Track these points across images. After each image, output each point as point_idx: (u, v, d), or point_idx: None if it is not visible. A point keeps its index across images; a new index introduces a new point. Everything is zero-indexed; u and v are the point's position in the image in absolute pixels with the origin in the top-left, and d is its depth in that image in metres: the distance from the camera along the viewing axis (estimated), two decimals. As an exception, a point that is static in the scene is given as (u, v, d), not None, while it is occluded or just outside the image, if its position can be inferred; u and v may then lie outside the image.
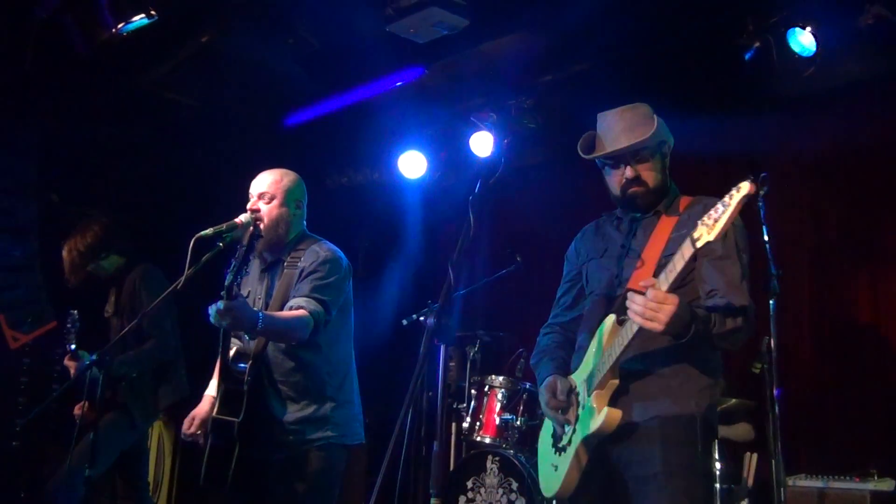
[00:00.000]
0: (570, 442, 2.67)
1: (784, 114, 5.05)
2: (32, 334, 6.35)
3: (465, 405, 5.12)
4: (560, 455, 2.72)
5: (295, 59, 5.17)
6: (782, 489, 3.82)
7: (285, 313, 3.19)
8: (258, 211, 3.32)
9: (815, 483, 4.18)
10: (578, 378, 2.73)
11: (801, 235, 5.17)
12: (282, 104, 6.07)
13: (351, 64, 5.32)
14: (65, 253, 4.58)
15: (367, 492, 6.14)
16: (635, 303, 2.41)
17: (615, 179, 2.80)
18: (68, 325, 4.22)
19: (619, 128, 2.75)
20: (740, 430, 4.77)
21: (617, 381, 2.58)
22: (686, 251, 2.34)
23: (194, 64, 5.35)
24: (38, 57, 5.10)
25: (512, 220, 6.33)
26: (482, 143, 5.82)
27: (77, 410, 4.41)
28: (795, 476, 4.28)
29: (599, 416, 2.55)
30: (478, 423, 4.95)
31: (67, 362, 4.25)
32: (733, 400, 4.39)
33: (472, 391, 5.09)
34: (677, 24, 4.69)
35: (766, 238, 3.89)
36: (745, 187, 2.21)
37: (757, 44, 4.59)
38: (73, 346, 4.20)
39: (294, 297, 3.23)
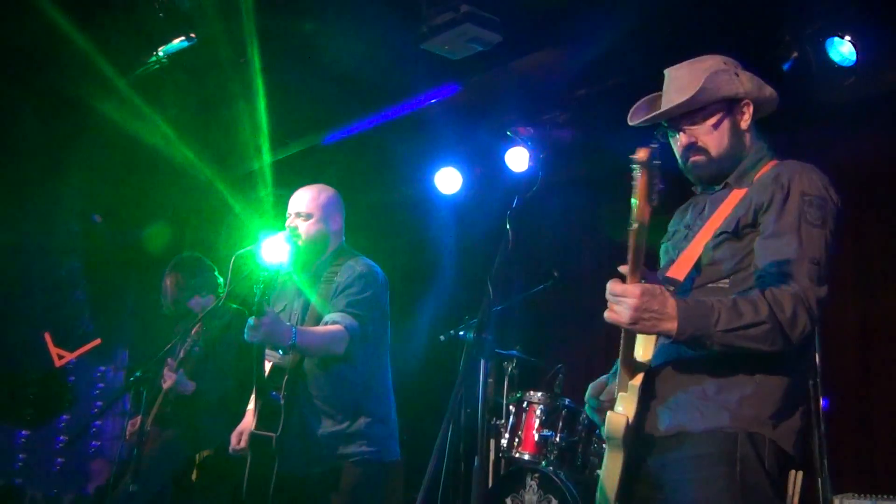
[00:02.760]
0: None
1: (824, 125, 4.98)
2: (77, 352, 6.47)
3: (503, 421, 5.09)
4: (601, 463, 2.46)
5: (331, 78, 5.23)
6: (828, 508, 3.75)
7: (320, 328, 3.21)
8: (296, 229, 3.35)
9: (864, 503, 4.07)
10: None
11: (843, 248, 5.07)
12: (319, 123, 6.13)
13: (386, 82, 5.36)
14: (168, 282, 4.75)
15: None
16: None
17: (676, 147, 2.41)
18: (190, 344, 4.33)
19: (673, 86, 2.37)
20: None
21: (637, 382, 2.22)
22: (629, 237, 2.02)
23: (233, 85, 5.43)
24: (82, 80, 5.23)
25: (548, 235, 6.31)
26: (517, 159, 5.83)
27: (130, 428, 4.47)
28: (843, 495, 4.17)
29: (606, 420, 2.25)
30: (516, 440, 4.92)
31: (168, 373, 4.33)
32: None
33: (510, 407, 5.06)
34: (713, 36, 4.65)
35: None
36: (637, 154, 1.93)
37: (795, 54, 4.54)
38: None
39: (330, 312, 3.25)
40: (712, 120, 2.34)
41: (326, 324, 3.21)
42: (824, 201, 2.21)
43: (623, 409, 2.23)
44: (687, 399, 2.21)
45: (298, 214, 3.40)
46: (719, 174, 2.38)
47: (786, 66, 4.56)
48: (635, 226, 1.98)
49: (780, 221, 2.17)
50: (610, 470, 2.32)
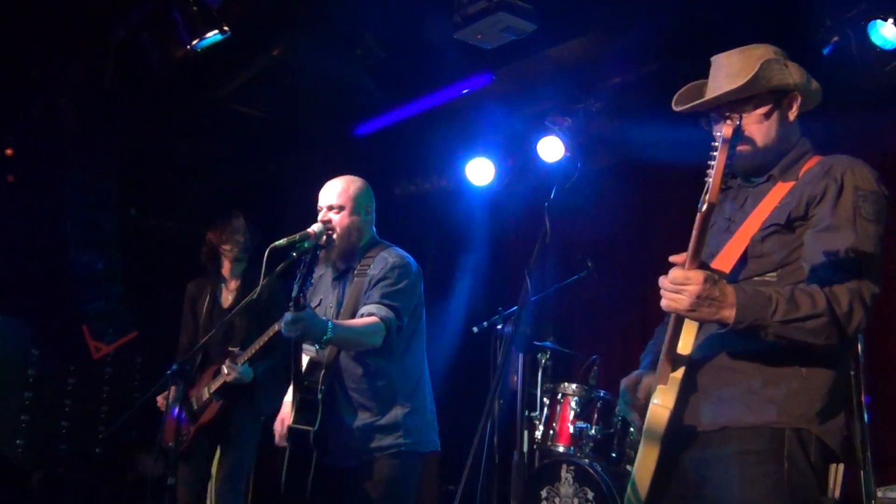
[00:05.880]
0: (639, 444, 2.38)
1: (866, 111, 4.87)
2: (114, 344, 6.55)
3: (537, 413, 5.07)
4: (635, 458, 2.40)
5: (363, 69, 5.22)
6: (872, 502, 3.67)
7: (356, 321, 3.20)
8: (330, 222, 3.35)
9: (908, 495, 3.99)
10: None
11: (888, 236, 4.97)
12: (351, 114, 6.13)
13: (419, 72, 5.34)
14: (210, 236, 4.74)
15: (440, 500, 6.13)
16: (660, 283, 2.09)
17: (718, 135, 2.39)
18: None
19: (722, 73, 2.33)
20: None
21: (679, 375, 2.19)
22: (697, 219, 2.01)
23: (266, 77, 5.46)
24: (117, 75, 5.27)
25: (582, 226, 6.26)
26: (550, 149, 5.78)
27: (161, 401, 4.37)
28: (886, 488, 4.10)
29: (647, 413, 2.24)
30: (551, 432, 4.90)
31: (229, 364, 4.28)
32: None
33: (545, 399, 5.03)
34: (751, 21, 4.57)
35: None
36: (722, 131, 1.93)
37: (835, 38, 4.43)
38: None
39: (365, 304, 3.24)
40: (762, 110, 2.30)
41: (362, 316, 3.21)
42: (878, 196, 2.18)
43: (663, 402, 2.21)
44: (732, 393, 2.19)
45: (331, 207, 3.39)
46: (762, 166, 2.34)
47: (826, 51, 4.46)
48: (705, 207, 1.96)
49: (835, 215, 2.14)
50: (643, 465, 2.29)
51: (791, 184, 2.27)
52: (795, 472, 2.10)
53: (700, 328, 2.19)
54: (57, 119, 5.81)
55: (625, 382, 2.44)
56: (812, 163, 2.31)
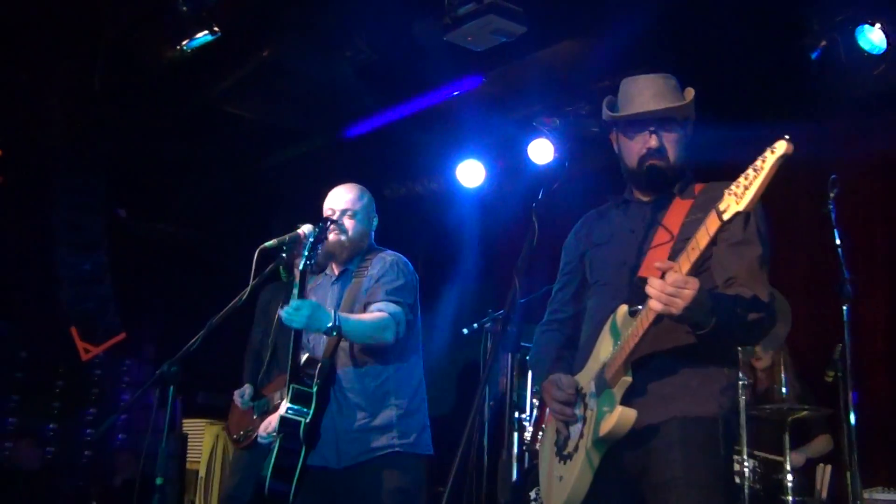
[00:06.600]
0: (577, 448, 2.43)
1: (854, 114, 4.90)
2: (103, 346, 6.52)
3: (526, 415, 5.07)
4: (565, 464, 2.46)
5: (353, 71, 5.22)
6: (858, 502, 3.70)
7: (364, 315, 3.20)
8: (343, 224, 3.37)
9: (894, 496, 4.01)
10: (585, 377, 2.48)
11: (873, 239, 5.01)
12: (341, 116, 6.14)
13: (409, 74, 5.35)
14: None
15: (428, 502, 6.14)
16: (653, 287, 2.17)
17: (634, 147, 2.54)
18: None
19: (650, 91, 2.52)
20: (820, 445, 4.62)
21: (630, 379, 2.33)
22: (711, 226, 2.07)
23: (255, 78, 5.45)
24: (106, 76, 5.26)
25: (572, 227, 6.28)
26: (540, 151, 5.79)
27: (237, 397, 4.50)
28: (872, 489, 4.12)
29: (612, 416, 2.31)
30: (540, 433, 4.90)
31: None
32: (805, 409, 4.25)
33: (534, 401, 5.04)
34: (740, 25, 4.60)
35: (837, 242, 3.78)
36: (780, 147, 1.93)
37: (823, 43, 4.47)
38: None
39: (370, 301, 3.25)
40: (681, 132, 2.54)
41: (370, 312, 3.22)
42: (768, 216, 2.46)
43: (622, 403, 2.33)
44: (674, 392, 2.39)
45: (344, 211, 3.41)
46: (667, 182, 2.55)
47: (814, 55, 4.49)
48: (728, 216, 2.03)
49: (746, 232, 2.40)
50: (583, 470, 2.40)
51: (689, 202, 2.49)
52: (727, 454, 2.42)
53: (644, 337, 2.31)
54: (46, 120, 5.80)
55: (549, 381, 2.55)
56: (700, 187, 2.55)
